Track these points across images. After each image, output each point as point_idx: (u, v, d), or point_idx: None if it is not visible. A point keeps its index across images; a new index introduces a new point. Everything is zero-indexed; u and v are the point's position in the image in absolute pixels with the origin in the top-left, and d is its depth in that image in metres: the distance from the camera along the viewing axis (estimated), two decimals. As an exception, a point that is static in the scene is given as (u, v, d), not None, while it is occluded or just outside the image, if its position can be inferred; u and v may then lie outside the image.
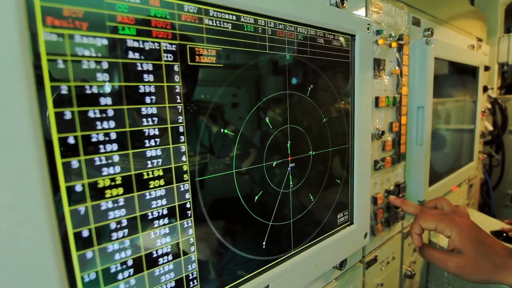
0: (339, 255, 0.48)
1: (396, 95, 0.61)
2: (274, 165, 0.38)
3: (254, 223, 0.37)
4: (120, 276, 0.26)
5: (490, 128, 1.24)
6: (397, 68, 0.60)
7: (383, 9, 0.56)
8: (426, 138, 0.68)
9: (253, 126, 0.35)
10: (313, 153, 0.42)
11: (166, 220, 0.29)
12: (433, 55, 0.66)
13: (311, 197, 0.43)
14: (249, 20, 0.33)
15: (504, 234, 0.93)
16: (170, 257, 0.29)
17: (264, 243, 0.38)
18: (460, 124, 0.97)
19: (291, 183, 0.40)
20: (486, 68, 1.06)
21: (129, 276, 0.27)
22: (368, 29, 0.48)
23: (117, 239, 0.26)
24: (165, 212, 0.28)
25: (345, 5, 0.44)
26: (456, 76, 0.90)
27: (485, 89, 1.11)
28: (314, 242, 0.44)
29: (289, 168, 0.40)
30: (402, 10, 0.63)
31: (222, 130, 0.33)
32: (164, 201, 0.28)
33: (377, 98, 0.56)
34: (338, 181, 0.47)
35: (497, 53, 1.29)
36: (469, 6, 1.14)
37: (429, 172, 0.72)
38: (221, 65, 0.32)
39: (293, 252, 0.41)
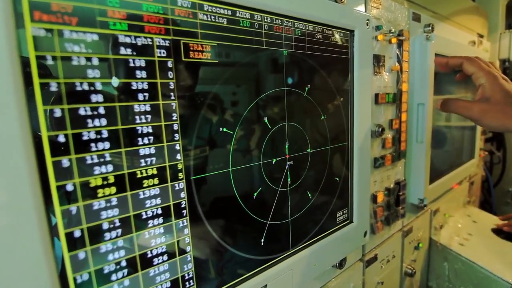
0: (339, 254, 0.48)
1: (396, 92, 0.60)
2: (271, 163, 0.37)
3: (251, 222, 0.36)
4: (113, 277, 0.26)
5: (491, 125, 1.23)
6: (397, 64, 0.59)
7: (383, 4, 0.55)
8: (426, 136, 0.67)
9: (250, 123, 0.35)
10: (312, 150, 0.42)
11: (160, 220, 0.28)
12: (433, 51, 0.65)
13: (310, 195, 0.43)
14: (245, 15, 0.33)
15: (504, 232, 0.93)
16: (165, 257, 0.29)
17: (262, 242, 0.37)
18: (461, 121, 0.96)
19: (289, 181, 0.40)
20: (487, 65, 1.05)
21: (123, 276, 0.26)
22: (367, 24, 0.47)
23: (110, 239, 0.25)
24: (159, 211, 0.28)
25: (343, 0, 0.43)
26: (457, 72, 0.89)
27: (486, 85, 1.10)
28: (313, 241, 0.44)
29: (287, 166, 0.39)
30: (402, 5, 0.62)
31: (218, 127, 0.32)
32: (158, 200, 0.28)
33: (377, 95, 0.55)
34: (337, 179, 0.47)
35: (498, 49, 1.28)
36: (470, 2, 1.13)
37: (430, 170, 0.71)
38: (217, 62, 0.31)
39: (291, 251, 0.41)
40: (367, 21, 0.47)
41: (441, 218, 0.91)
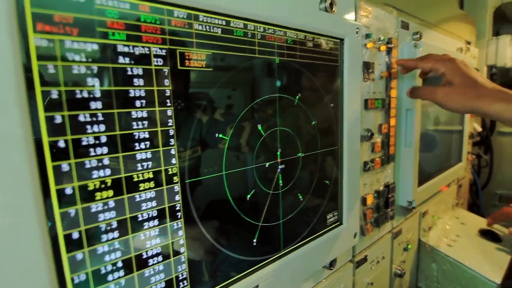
0: (329, 255, 0.49)
1: (385, 98, 0.62)
2: (264, 167, 0.39)
3: (244, 224, 0.37)
4: (110, 277, 0.27)
5: (479, 129, 1.27)
6: (386, 71, 0.61)
7: (372, 13, 0.57)
8: (414, 140, 0.69)
9: (243, 129, 0.36)
10: (303, 154, 0.43)
11: (156, 222, 0.29)
12: (421, 58, 0.67)
13: (301, 198, 0.44)
14: (238, 25, 0.34)
15: (490, 233, 0.96)
16: (160, 258, 0.30)
17: (254, 244, 0.38)
18: (449, 125, 0.99)
19: (281, 184, 0.41)
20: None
21: (119, 277, 0.27)
22: (357, 33, 0.49)
23: (107, 240, 0.26)
24: (155, 214, 0.29)
25: (334, 9, 0.45)
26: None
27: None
28: (304, 242, 0.45)
29: (279, 170, 0.40)
30: (391, 14, 0.64)
31: (212, 133, 0.33)
32: (154, 203, 0.29)
33: (366, 101, 0.57)
34: (328, 182, 0.48)
35: (485, 55, 1.32)
36: (458, 10, 1.17)
37: (418, 173, 0.74)
38: (211, 69, 0.32)
39: (283, 252, 0.42)
40: (357, 30, 0.49)
41: (430, 220, 0.94)
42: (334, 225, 0.51)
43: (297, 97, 0.42)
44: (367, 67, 0.56)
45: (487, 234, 0.97)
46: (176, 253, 0.31)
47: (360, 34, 0.51)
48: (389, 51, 0.62)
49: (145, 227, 0.28)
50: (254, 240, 0.38)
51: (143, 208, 0.28)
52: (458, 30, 1.05)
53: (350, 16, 0.50)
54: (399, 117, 0.68)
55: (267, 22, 0.37)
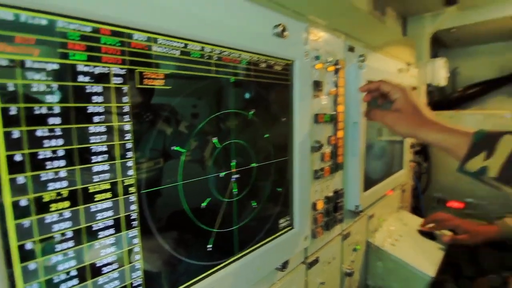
0: (281, 257, 0.53)
1: (333, 112, 0.69)
2: (219, 177, 0.42)
3: (199, 231, 0.40)
4: (63, 286, 0.28)
5: (419, 140, 1.43)
6: (334, 89, 0.69)
7: (322, 38, 0.64)
8: (360, 150, 0.77)
9: (199, 142, 0.39)
10: (256, 165, 0.47)
11: (111, 231, 0.31)
12: (365, 78, 0.76)
13: (254, 205, 0.48)
14: (196, 47, 0.37)
15: (428, 233, 1.08)
16: (114, 266, 0.31)
17: (208, 250, 0.41)
18: (392, 136, 1.11)
19: (235, 192, 0.44)
20: (413, 88, 1.23)
21: (72, 286, 0.28)
22: (306, 55, 0.55)
23: (61, 250, 0.27)
24: (110, 223, 0.31)
25: (285, 34, 0.50)
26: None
27: (413, 106, 1.28)
28: (258, 246, 0.49)
29: (233, 179, 0.44)
30: (339, 38, 0.72)
31: (170, 145, 0.36)
32: (110, 213, 0.30)
33: (316, 115, 0.63)
34: (280, 189, 0.53)
35: (424, 75, 1.50)
36: (400, 35, 1.33)
37: (364, 179, 0.82)
38: (170, 87, 0.35)
39: (236, 257, 0.45)
40: (306, 53, 0.54)
41: (376, 222, 1.04)
42: (286, 230, 0.56)
43: (251, 112, 0.46)
44: (317, 85, 0.63)
45: (426, 234, 1.09)
46: (131, 260, 0.33)
47: (310, 56, 0.57)
48: (336, 71, 0.69)
49: (100, 236, 0.30)
50: (209, 246, 0.41)
51: (99, 218, 0.30)
52: (400, 53, 1.19)
53: (300, 41, 0.56)
54: (346, 129, 0.76)
55: (223, 46, 0.40)
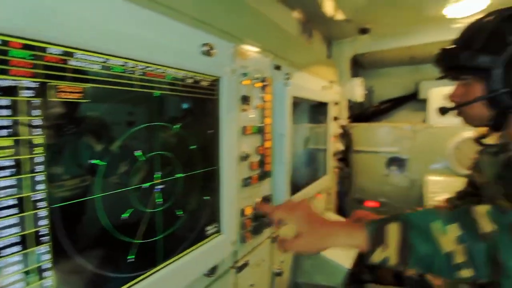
0: (209, 263, 0.56)
1: (261, 125, 0.76)
2: (141, 188, 0.43)
3: (119, 243, 0.40)
4: (-44, 311, 0.26)
5: (342, 148, 1.62)
6: (261, 103, 0.75)
7: (250, 56, 0.70)
8: (286, 158, 0.85)
9: (121, 155, 0.40)
10: (183, 175, 0.50)
11: (18, 248, 0.30)
12: (290, 94, 0.85)
13: (181, 213, 0.50)
14: (117, 62, 0.39)
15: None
16: (24, 283, 0.30)
17: (130, 261, 0.42)
18: (317, 145, 1.24)
19: (159, 202, 0.46)
20: (336, 104, 1.40)
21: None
22: (233, 73, 0.59)
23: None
24: (16, 240, 0.29)
25: (213, 53, 0.54)
26: (315, 108, 1.17)
27: (336, 118, 1.46)
28: (184, 254, 0.51)
29: (157, 190, 0.45)
30: (267, 57, 0.79)
31: (87, 159, 0.36)
32: (15, 229, 0.29)
33: (244, 127, 0.68)
34: (208, 197, 0.56)
35: (345, 92, 1.71)
36: (324, 56, 1.50)
37: (291, 185, 0.90)
38: (89, 101, 0.36)
39: (161, 266, 0.47)
40: (233, 71, 0.59)
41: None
42: (213, 236, 0.59)
43: (177, 125, 0.48)
44: (245, 99, 0.68)
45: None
46: (41, 278, 0.32)
47: (237, 73, 0.62)
48: (264, 88, 0.76)
49: (8, 253, 0.29)
50: (131, 257, 0.42)
51: (5, 234, 0.28)
52: (324, 72, 1.35)
53: (228, 59, 0.61)
54: (274, 140, 0.83)
55: (148, 62, 0.42)
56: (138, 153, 0.42)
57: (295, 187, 0.98)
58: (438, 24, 1.31)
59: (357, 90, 1.68)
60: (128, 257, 0.41)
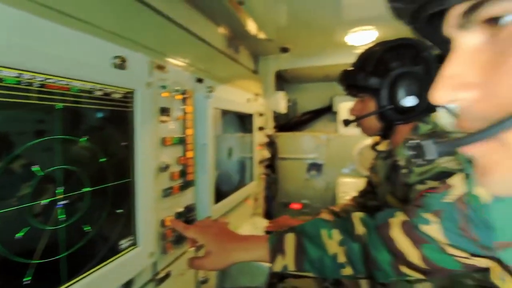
0: (122, 277, 0.55)
1: (182, 135, 0.78)
2: (40, 205, 0.41)
3: (12, 264, 0.37)
4: None
5: (268, 155, 1.74)
6: (182, 114, 0.77)
7: (169, 70, 0.72)
8: (209, 167, 0.89)
9: (13, 170, 0.37)
10: (90, 189, 0.48)
11: None
12: (212, 106, 0.89)
13: (88, 229, 0.48)
14: (10, 74, 0.37)
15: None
16: None
17: (25, 284, 0.39)
18: (244, 153, 1.31)
19: (62, 218, 0.44)
20: (261, 115, 1.51)
21: None
22: (148, 85, 0.60)
23: None
24: None
25: (125, 66, 0.55)
26: (242, 119, 1.24)
27: (261, 128, 1.56)
28: (93, 270, 0.49)
29: (60, 206, 0.43)
30: (187, 71, 0.82)
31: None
32: None
33: (163, 138, 0.69)
34: (121, 210, 0.55)
35: (270, 104, 1.85)
36: (250, 71, 1.60)
37: (216, 193, 0.94)
38: (-30, 113, 0.33)
39: (67, 285, 0.44)
40: (148, 84, 0.60)
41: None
42: (128, 249, 0.58)
43: (84, 138, 0.47)
44: (164, 111, 0.69)
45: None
46: None
47: (155, 86, 0.64)
48: (184, 99, 0.78)
49: None
50: (27, 279, 0.39)
51: None
52: (249, 85, 1.44)
53: (143, 72, 0.62)
54: (197, 150, 0.86)
55: (48, 74, 0.41)
56: (35, 168, 0.40)
57: (221, 195, 1.02)
58: (342, 49, 1.54)
59: (280, 102, 1.83)
60: (24, 279, 0.39)
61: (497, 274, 0.42)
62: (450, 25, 0.26)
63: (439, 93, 0.26)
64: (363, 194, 1.29)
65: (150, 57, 0.65)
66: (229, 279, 1.10)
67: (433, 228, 0.53)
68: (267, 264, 1.08)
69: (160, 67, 0.69)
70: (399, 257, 0.58)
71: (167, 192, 0.71)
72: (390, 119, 0.90)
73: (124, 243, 0.56)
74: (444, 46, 0.28)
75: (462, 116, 0.26)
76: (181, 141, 0.77)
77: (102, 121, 0.51)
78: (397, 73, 0.84)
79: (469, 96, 0.25)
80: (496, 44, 0.23)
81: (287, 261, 0.62)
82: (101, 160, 0.50)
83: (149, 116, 0.61)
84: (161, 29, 0.75)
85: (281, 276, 1.08)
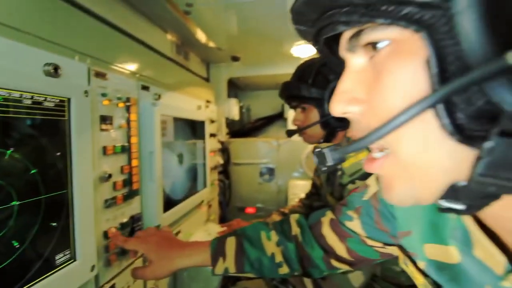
0: (59, 293, 0.52)
1: (126, 144, 0.76)
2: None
3: None
4: None
5: (221, 161, 1.76)
6: (125, 122, 0.76)
7: (110, 77, 0.71)
8: (157, 175, 0.88)
9: None
10: (18, 202, 0.46)
11: None
12: (158, 113, 0.89)
13: (17, 245, 0.46)
14: None
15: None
16: None
17: None
18: (196, 160, 1.31)
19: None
20: (212, 121, 1.53)
21: None
22: (85, 93, 0.59)
23: None
24: None
25: (59, 74, 0.53)
26: (194, 126, 1.24)
27: (213, 135, 1.58)
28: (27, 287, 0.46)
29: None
30: (131, 78, 0.81)
31: None
32: None
33: (105, 147, 0.68)
34: (55, 224, 0.53)
35: (223, 111, 1.88)
36: (201, 79, 1.61)
37: (166, 201, 0.93)
38: None
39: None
40: (86, 92, 0.59)
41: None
42: (66, 264, 0.55)
43: (10, 150, 0.45)
44: (105, 119, 0.68)
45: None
46: None
47: (94, 94, 0.62)
48: (128, 107, 0.77)
49: None
50: None
51: None
52: (200, 93, 1.45)
53: (80, 80, 0.60)
54: (143, 158, 0.85)
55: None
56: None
57: (171, 203, 1.01)
58: (289, 59, 1.64)
59: (233, 109, 1.87)
60: None
61: (402, 260, 0.50)
62: (342, 48, 0.31)
63: (334, 106, 0.31)
64: (309, 195, 1.38)
65: (89, 64, 0.64)
66: (181, 286, 1.08)
67: (354, 224, 0.60)
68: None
69: (100, 75, 0.67)
70: (329, 252, 0.65)
71: (110, 203, 0.69)
72: (333, 126, 0.99)
73: (60, 257, 0.54)
74: (342, 66, 0.34)
75: (353, 127, 0.32)
76: (125, 150, 0.76)
77: (33, 131, 0.49)
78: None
79: (357, 109, 0.30)
80: (374, 65, 0.29)
81: (227, 263, 0.65)
82: (32, 171, 0.48)
83: (87, 125, 0.60)
84: (102, 35, 0.73)
85: (234, 279, 1.10)
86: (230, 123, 2.04)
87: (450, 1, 0.20)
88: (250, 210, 1.92)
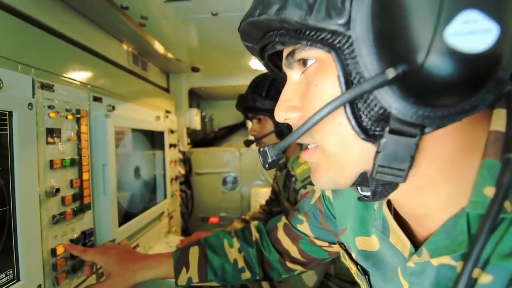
0: (-3, 317, 0.49)
1: (76, 157, 0.74)
2: None
3: None
4: None
5: (183, 171, 1.74)
6: (75, 135, 0.74)
7: (57, 89, 0.69)
8: (111, 188, 0.86)
9: None
10: (-51, 222, 0.43)
11: None
12: (112, 125, 0.87)
13: None
14: None
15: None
16: None
17: None
18: (155, 171, 1.29)
19: None
20: (172, 132, 1.52)
21: None
22: (29, 105, 0.57)
23: None
24: None
25: (0, 86, 0.51)
26: (153, 137, 1.23)
27: (173, 145, 1.57)
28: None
29: None
30: (82, 89, 0.79)
31: None
32: None
33: (52, 161, 0.65)
34: (-6, 243, 0.50)
35: (184, 121, 1.87)
36: (160, 89, 1.60)
37: (121, 214, 0.91)
38: None
39: None
40: (29, 104, 0.57)
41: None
42: (8, 284, 0.52)
43: None
44: (52, 132, 0.66)
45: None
46: None
47: (40, 106, 0.60)
48: (78, 119, 0.76)
49: None
50: None
51: None
52: (159, 103, 1.44)
53: (23, 92, 0.58)
54: (96, 171, 0.83)
55: None
56: None
57: (128, 216, 0.99)
58: (248, 71, 1.70)
59: (194, 119, 1.87)
60: None
61: (342, 255, 0.56)
62: (283, 64, 0.37)
63: (277, 113, 0.36)
64: (269, 202, 1.44)
65: (34, 75, 0.62)
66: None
67: (304, 226, 0.65)
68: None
69: (47, 86, 0.66)
70: (284, 254, 0.69)
71: (58, 218, 0.66)
72: (286, 135, 1.05)
73: (2, 278, 0.51)
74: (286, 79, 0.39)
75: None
76: (75, 163, 0.74)
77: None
78: None
79: (295, 115, 0.35)
80: (306, 78, 0.34)
81: (191, 273, 0.65)
82: (-35, 189, 0.46)
83: (32, 138, 0.58)
84: (48, 46, 0.72)
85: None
86: (192, 133, 2.04)
87: (350, 30, 0.26)
88: (213, 219, 1.92)
